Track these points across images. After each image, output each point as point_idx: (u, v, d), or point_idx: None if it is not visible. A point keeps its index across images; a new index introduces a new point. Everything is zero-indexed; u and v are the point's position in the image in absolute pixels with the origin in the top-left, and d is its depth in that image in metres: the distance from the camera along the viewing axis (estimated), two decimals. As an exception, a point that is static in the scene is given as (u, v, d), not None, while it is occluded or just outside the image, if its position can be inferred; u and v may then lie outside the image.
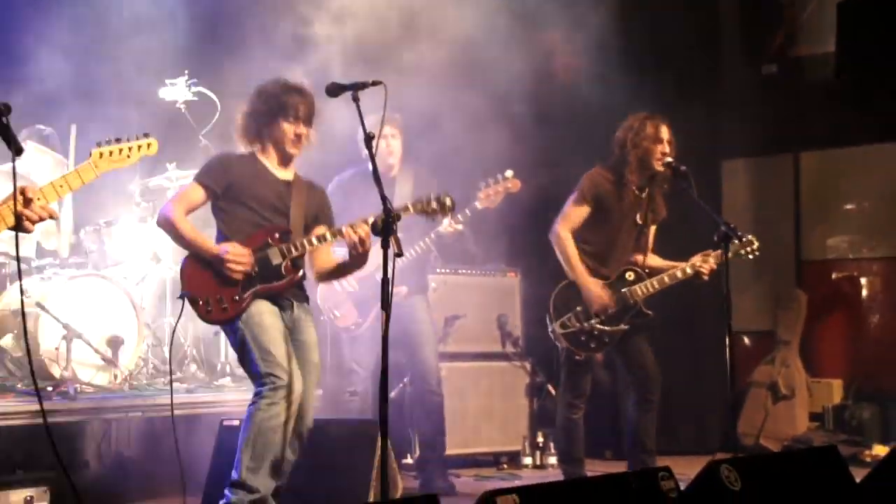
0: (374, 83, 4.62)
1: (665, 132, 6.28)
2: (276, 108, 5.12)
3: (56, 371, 6.16)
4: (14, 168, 3.05)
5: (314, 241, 5.07)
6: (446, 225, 6.33)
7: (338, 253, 5.40)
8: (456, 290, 7.76)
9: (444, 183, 7.16)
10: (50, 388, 5.93)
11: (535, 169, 6.74)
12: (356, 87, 4.62)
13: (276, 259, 5.04)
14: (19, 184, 3.23)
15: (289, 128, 5.12)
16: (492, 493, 3.15)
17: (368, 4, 7.06)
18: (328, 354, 6.75)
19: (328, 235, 5.07)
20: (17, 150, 2.93)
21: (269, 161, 5.22)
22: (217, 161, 5.27)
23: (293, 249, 5.04)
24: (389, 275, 4.26)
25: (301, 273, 5.15)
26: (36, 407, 5.40)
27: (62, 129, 7.22)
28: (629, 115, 6.42)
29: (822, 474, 4.36)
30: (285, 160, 5.23)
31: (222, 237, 5.12)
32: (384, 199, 4.38)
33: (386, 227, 4.30)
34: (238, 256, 4.97)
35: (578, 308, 6.24)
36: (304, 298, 5.27)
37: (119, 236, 7.07)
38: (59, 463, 3.59)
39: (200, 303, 5.01)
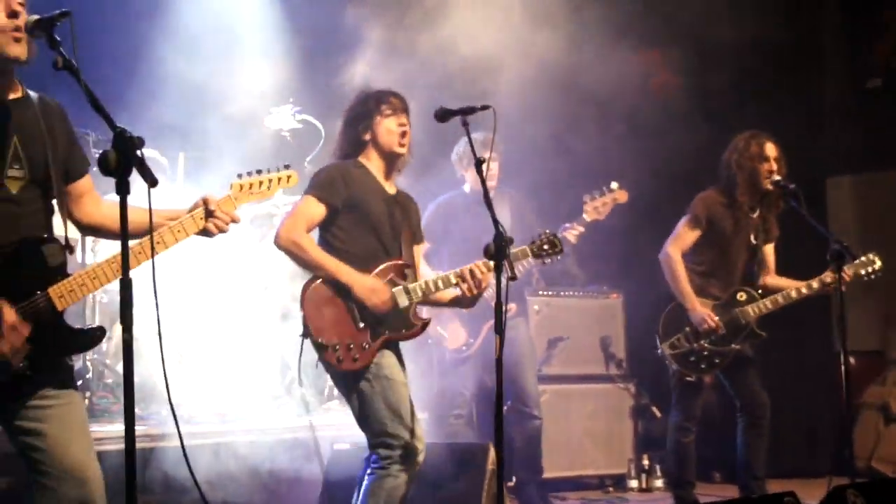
0: (483, 107, 4.47)
1: (771, 149, 6.24)
2: (374, 105, 4.82)
3: (166, 397, 6.24)
4: (150, 199, 3.10)
5: (440, 284, 4.74)
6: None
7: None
8: (559, 311, 7.74)
9: (541, 203, 7.23)
10: (164, 413, 5.98)
11: (633, 190, 6.71)
12: (466, 112, 4.47)
13: (402, 301, 4.67)
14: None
15: (392, 121, 4.80)
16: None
17: (468, 30, 7.08)
18: (434, 378, 6.78)
19: (452, 278, 4.72)
20: (151, 183, 2.98)
21: (375, 170, 4.86)
22: (334, 171, 4.81)
23: (419, 292, 4.72)
24: (503, 298, 4.15)
25: (427, 322, 4.84)
26: (151, 430, 5.61)
27: (171, 156, 7.37)
28: (735, 135, 6.40)
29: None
30: (390, 167, 4.88)
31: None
32: (496, 222, 4.29)
33: (499, 251, 4.26)
34: (376, 292, 4.61)
35: (687, 328, 6.20)
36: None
37: (228, 266, 7.13)
38: (193, 480, 3.64)
39: (330, 350, 4.58)
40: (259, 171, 3.94)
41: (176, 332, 6.44)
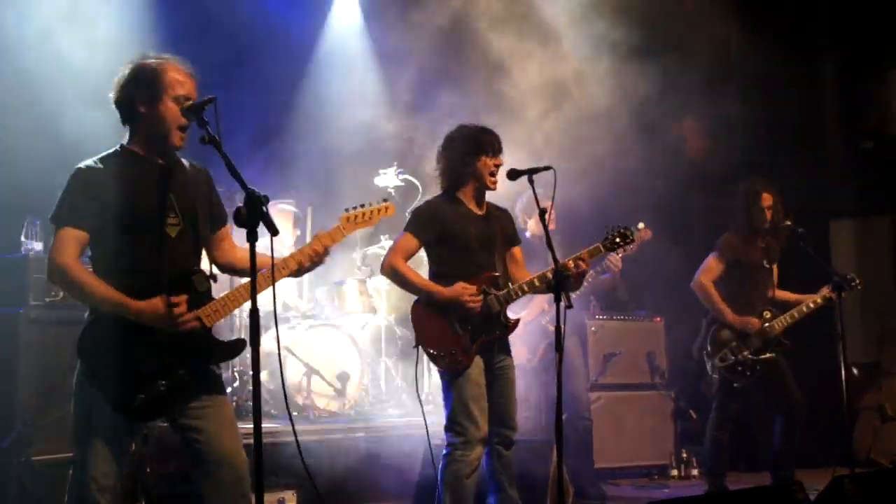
0: (546, 168, 4.41)
1: (767, 198, 6.20)
2: (475, 146, 4.64)
3: (299, 400, 6.29)
4: (272, 245, 3.11)
5: (525, 288, 4.60)
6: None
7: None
8: (612, 332, 7.65)
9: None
10: (295, 414, 6.02)
11: (670, 233, 6.62)
12: (532, 172, 4.42)
13: (494, 307, 4.55)
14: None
15: (489, 161, 4.64)
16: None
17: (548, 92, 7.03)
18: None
19: (536, 282, 4.57)
20: (273, 233, 3.00)
21: (468, 200, 4.71)
22: (426, 211, 4.72)
23: (511, 296, 4.58)
24: (561, 322, 4.10)
25: (516, 322, 4.70)
26: (285, 427, 5.62)
27: (303, 208, 7.47)
28: (740, 182, 6.41)
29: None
30: (481, 198, 4.74)
31: (438, 282, 4.61)
32: (556, 260, 4.28)
33: (558, 283, 4.22)
34: (472, 292, 4.48)
35: (733, 343, 6.13)
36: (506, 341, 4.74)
37: (345, 294, 7.18)
38: (305, 471, 3.62)
39: (435, 353, 4.52)
40: (363, 205, 3.94)
41: (306, 346, 6.49)
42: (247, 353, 5.41)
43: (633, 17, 7.14)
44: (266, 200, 2.97)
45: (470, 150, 4.65)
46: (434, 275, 4.67)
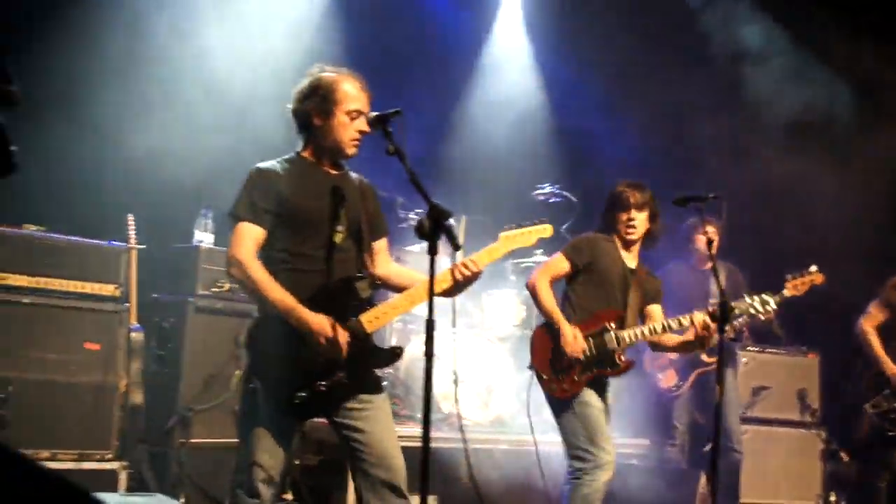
0: (714, 197, 4.45)
1: None
2: (614, 202, 4.88)
3: (445, 407, 6.34)
4: (454, 259, 3.16)
5: (646, 332, 4.72)
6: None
7: None
8: (763, 365, 7.43)
9: (747, 275, 6.96)
10: (441, 420, 6.09)
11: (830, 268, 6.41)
12: (699, 199, 4.46)
13: (611, 345, 4.67)
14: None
15: (625, 216, 4.81)
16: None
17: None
18: (652, 412, 6.61)
19: (670, 324, 4.68)
20: (456, 247, 3.02)
21: (619, 246, 4.88)
22: (585, 240, 4.91)
23: (627, 339, 4.69)
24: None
25: (630, 364, 4.76)
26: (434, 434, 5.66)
27: (456, 218, 7.53)
28: None
29: None
30: (627, 245, 4.89)
31: (567, 306, 4.81)
32: (722, 292, 4.24)
33: (723, 316, 4.16)
34: (575, 343, 4.62)
35: (886, 391, 5.98)
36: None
37: (495, 303, 7.21)
38: (471, 478, 3.66)
39: (545, 378, 4.70)
40: (521, 225, 3.98)
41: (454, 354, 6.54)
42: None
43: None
44: (449, 214, 3.00)
45: (614, 206, 4.88)
46: (567, 300, 4.83)
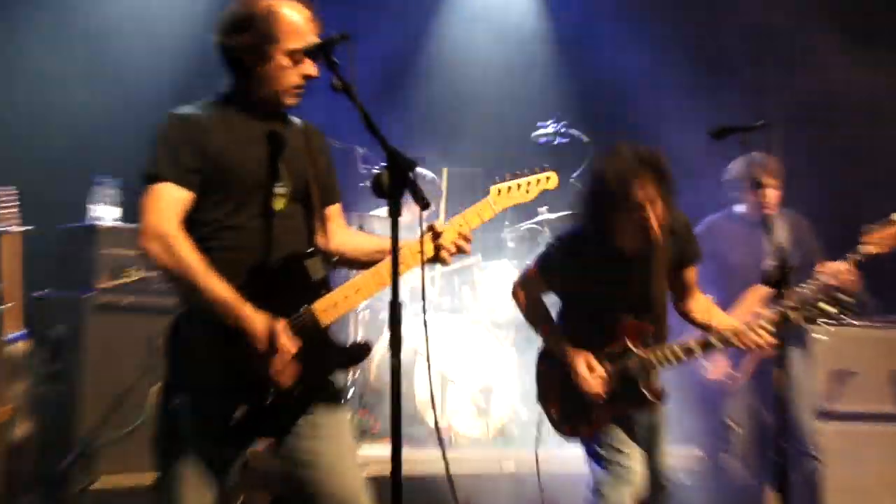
0: (762, 125, 4.35)
1: None
2: (620, 199, 4.55)
3: (432, 419, 6.28)
4: (421, 221, 3.20)
5: (682, 354, 4.61)
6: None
7: None
8: (846, 343, 7.41)
9: (819, 229, 7.05)
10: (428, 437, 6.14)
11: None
12: (745, 130, 4.36)
13: (633, 371, 4.59)
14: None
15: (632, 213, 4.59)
16: None
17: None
18: (700, 411, 6.69)
19: (713, 341, 4.62)
20: (423, 206, 3.04)
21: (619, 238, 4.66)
22: (558, 254, 4.76)
23: (660, 363, 4.61)
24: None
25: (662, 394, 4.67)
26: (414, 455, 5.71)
27: (436, 170, 7.59)
28: None
29: None
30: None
31: (562, 320, 4.78)
32: (779, 248, 4.25)
33: (783, 277, 4.20)
34: (593, 379, 4.57)
35: None
36: None
37: (490, 279, 7.26)
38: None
39: (552, 413, 4.74)
40: (515, 175, 3.94)
41: (439, 347, 6.58)
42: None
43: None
44: (413, 165, 3.01)
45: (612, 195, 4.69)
46: (560, 318, 4.84)
